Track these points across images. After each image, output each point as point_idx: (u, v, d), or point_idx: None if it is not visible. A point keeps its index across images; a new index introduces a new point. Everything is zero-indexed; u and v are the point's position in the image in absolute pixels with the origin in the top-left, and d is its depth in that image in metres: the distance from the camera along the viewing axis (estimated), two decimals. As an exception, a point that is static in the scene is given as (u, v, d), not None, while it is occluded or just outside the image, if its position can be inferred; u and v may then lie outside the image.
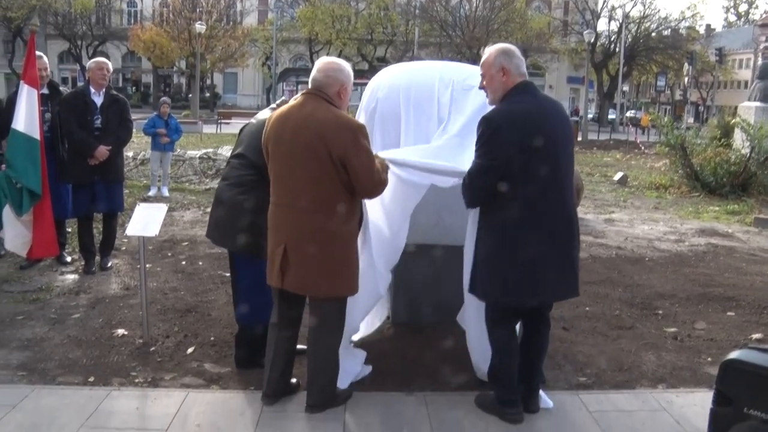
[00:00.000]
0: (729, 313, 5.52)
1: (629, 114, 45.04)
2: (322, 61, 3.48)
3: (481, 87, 3.52)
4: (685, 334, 5.00)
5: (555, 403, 3.78)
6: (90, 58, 43.68)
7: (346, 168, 3.24)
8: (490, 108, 3.47)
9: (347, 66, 3.49)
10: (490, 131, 3.25)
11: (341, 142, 3.23)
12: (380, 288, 3.97)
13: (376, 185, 3.37)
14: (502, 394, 3.57)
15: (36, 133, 4.81)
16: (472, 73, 4.36)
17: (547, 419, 3.61)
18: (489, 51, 3.44)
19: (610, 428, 3.54)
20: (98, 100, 6.02)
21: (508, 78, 3.35)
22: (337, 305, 3.50)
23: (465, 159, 3.51)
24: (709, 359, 4.53)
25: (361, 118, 4.27)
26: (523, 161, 3.22)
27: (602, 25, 44.56)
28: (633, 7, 42.91)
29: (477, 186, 3.34)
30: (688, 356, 4.57)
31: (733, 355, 2.97)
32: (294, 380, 3.79)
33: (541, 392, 3.73)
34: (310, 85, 3.42)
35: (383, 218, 3.93)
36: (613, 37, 42.48)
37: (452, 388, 3.94)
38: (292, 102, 3.49)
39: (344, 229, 3.37)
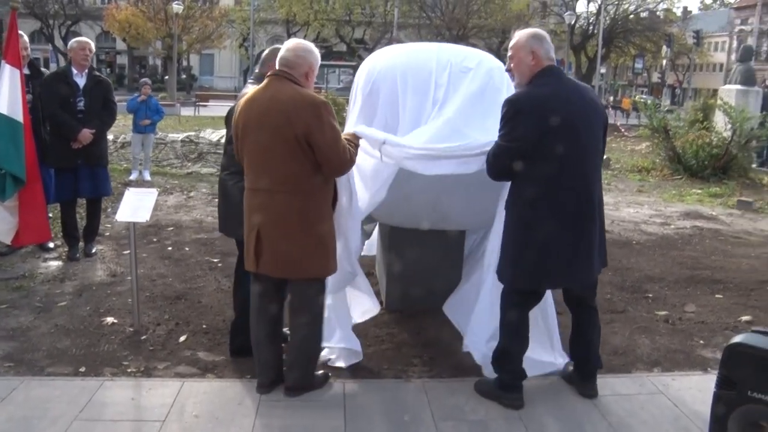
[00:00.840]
0: (717, 296, 5.56)
1: (640, 98, 44.92)
2: (291, 41, 3.45)
3: (508, 69, 3.53)
4: (676, 317, 5.03)
5: (553, 387, 3.79)
6: (63, 38, 42.94)
7: (311, 146, 3.20)
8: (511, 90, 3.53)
9: (316, 49, 3.47)
10: (512, 113, 3.26)
11: (303, 120, 3.18)
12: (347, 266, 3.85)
13: (342, 162, 3.32)
14: (505, 378, 3.58)
15: (19, 116, 4.65)
16: (468, 55, 4.31)
17: (547, 404, 3.61)
18: (520, 34, 3.45)
19: (610, 413, 3.54)
20: (81, 81, 5.87)
21: (537, 62, 3.35)
22: (315, 287, 3.49)
23: (471, 136, 3.56)
24: (701, 342, 4.57)
25: (357, 101, 4.21)
26: (543, 144, 3.22)
27: (581, 7, 44.71)
28: (612, -12, 42.93)
29: (498, 167, 3.35)
30: (681, 339, 4.60)
31: (737, 338, 2.98)
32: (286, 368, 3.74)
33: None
34: (277, 65, 3.38)
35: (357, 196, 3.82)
36: (592, 18, 42.53)
37: (450, 375, 3.92)
38: (259, 88, 3.43)
39: (317, 210, 3.35)
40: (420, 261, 4.69)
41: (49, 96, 5.72)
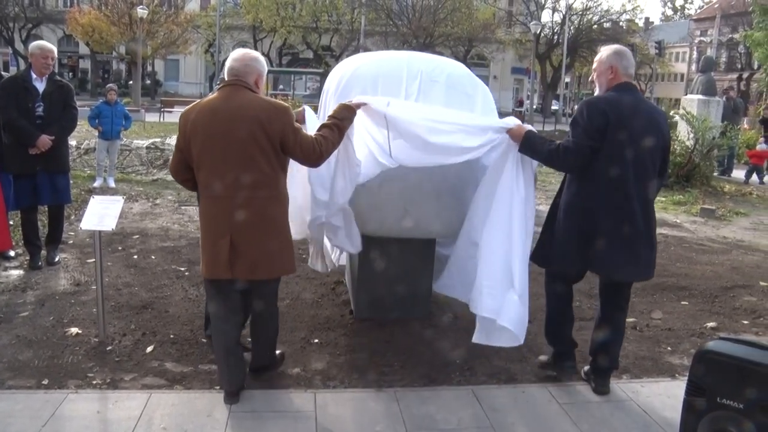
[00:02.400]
0: (683, 303, 5.64)
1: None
2: (237, 52, 3.54)
3: (591, 80, 3.91)
4: (644, 323, 5.09)
5: (524, 396, 3.81)
6: (23, 41, 42.05)
7: (284, 149, 3.36)
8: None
9: (261, 56, 3.60)
10: (588, 112, 3.56)
11: (280, 125, 3.31)
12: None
13: (317, 156, 3.44)
14: (559, 348, 4.01)
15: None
16: (439, 64, 4.33)
17: (519, 412, 3.62)
18: (604, 50, 3.79)
19: (581, 420, 3.56)
20: (40, 86, 5.68)
21: (615, 76, 3.67)
22: (277, 282, 3.70)
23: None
24: (669, 348, 4.62)
25: (329, 107, 4.20)
26: (605, 147, 3.51)
27: (546, 17, 45.14)
28: (576, -1, 43.56)
29: (569, 162, 3.62)
30: (649, 346, 4.65)
31: (707, 346, 3.02)
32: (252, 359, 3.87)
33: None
34: (227, 76, 3.46)
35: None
36: (557, 28, 43.16)
37: (422, 383, 3.90)
38: (212, 95, 3.53)
39: (284, 210, 3.50)
40: (389, 269, 4.66)
41: (7, 101, 5.54)
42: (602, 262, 3.66)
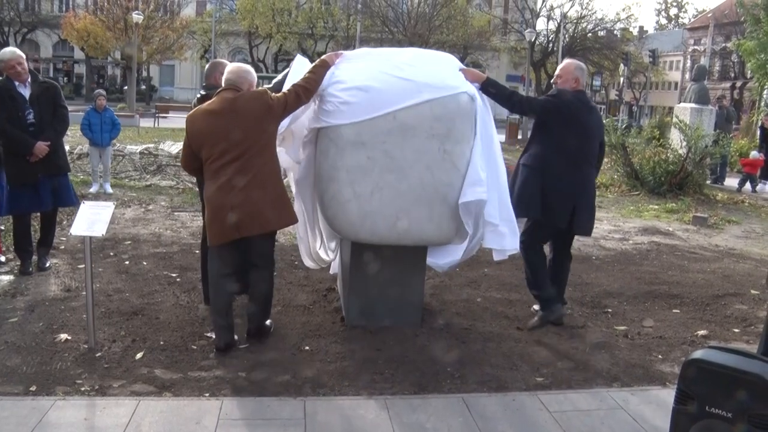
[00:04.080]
0: (675, 311, 5.64)
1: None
2: (232, 65, 4.26)
3: (554, 82, 5.03)
4: (635, 332, 5.08)
5: (514, 404, 3.80)
6: (18, 46, 41.89)
7: (278, 111, 4.07)
8: None
9: (253, 70, 4.30)
10: (553, 97, 4.87)
11: (261, 104, 4.03)
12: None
13: (301, 99, 4.17)
14: (541, 295, 5.01)
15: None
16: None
17: (510, 420, 3.61)
18: (570, 61, 5.03)
19: (571, 429, 3.55)
20: (26, 92, 5.58)
21: (577, 85, 4.90)
22: (272, 241, 4.39)
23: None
24: (660, 356, 4.62)
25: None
26: (563, 130, 4.72)
27: (541, 25, 45.23)
28: (571, 7, 43.79)
29: (524, 107, 5.09)
30: (640, 354, 4.64)
31: (695, 354, 3.01)
32: (236, 337, 4.40)
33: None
34: (224, 85, 4.15)
35: None
36: (551, 36, 43.30)
37: (412, 391, 3.89)
38: (212, 102, 4.13)
39: (269, 171, 4.09)
40: (381, 276, 4.66)
41: None
42: (559, 215, 4.78)
